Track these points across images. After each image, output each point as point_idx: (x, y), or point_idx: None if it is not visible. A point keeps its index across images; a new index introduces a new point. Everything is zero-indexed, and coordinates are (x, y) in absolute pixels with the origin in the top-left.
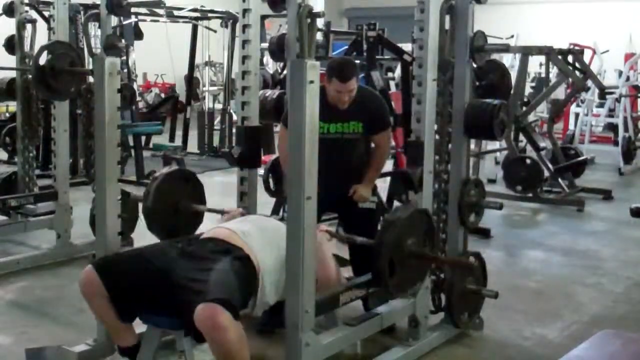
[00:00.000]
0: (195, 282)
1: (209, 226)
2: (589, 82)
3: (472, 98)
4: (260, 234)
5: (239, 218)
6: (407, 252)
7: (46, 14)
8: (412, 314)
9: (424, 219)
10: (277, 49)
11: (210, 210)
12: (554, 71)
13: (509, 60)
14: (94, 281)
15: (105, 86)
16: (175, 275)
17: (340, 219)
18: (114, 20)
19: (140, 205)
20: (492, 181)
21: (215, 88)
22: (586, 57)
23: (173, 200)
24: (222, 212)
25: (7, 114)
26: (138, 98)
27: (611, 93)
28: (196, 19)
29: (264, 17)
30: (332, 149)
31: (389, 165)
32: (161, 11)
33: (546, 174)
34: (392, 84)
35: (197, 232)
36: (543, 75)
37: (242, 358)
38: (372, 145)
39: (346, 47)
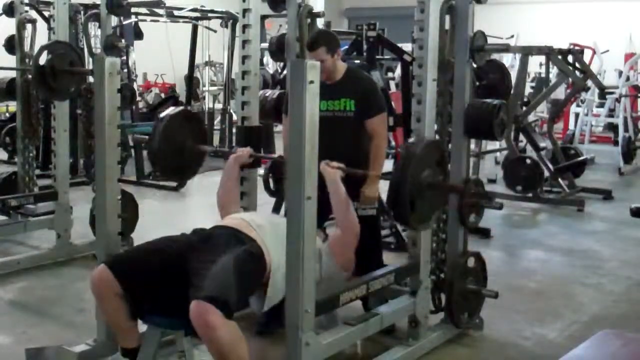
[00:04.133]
0: (195, 276)
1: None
2: (589, 82)
3: (472, 98)
4: (272, 228)
5: (250, 212)
6: (424, 185)
7: (46, 14)
8: (412, 314)
9: (437, 150)
10: (277, 49)
11: (215, 152)
12: (554, 71)
13: (509, 60)
14: (108, 280)
15: (105, 86)
16: (186, 260)
17: None
18: (114, 20)
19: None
20: (492, 181)
21: (215, 88)
22: (586, 57)
23: (178, 140)
24: (228, 153)
25: (7, 114)
26: (138, 98)
27: (611, 93)
28: (196, 19)
29: (264, 17)
30: (324, 130)
31: (389, 165)
32: (161, 11)
33: (546, 174)
34: (392, 84)
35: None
36: (543, 75)
37: (237, 357)
38: (369, 139)
39: (346, 47)
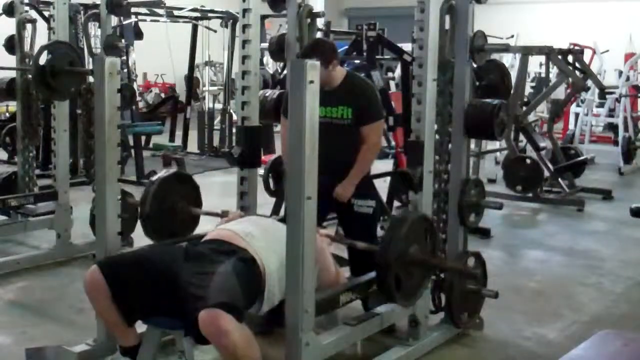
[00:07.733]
0: (197, 288)
1: (207, 228)
2: (589, 82)
3: (472, 98)
4: (262, 235)
5: (238, 219)
6: (411, 262)
7: (46, 14)
8: (412, 314)
9: (424, 225)
10: (277, 49)
11: (207, 214)
12: (554, 71)
13: (509, 60)
14: (99, 281)
15: (105, 86)
16: (179, 277)
17: (340, 220)
18: (114, 20)
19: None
20: (492, 181)
21: (215, 88)
22: (586, 57)
23: (170, 204)
24: (219, 215)
25: (7, 114)
26: (138, 98)
27: (611, 93)
28: (196, 19)
29: (264, 17)
30: (321, 137)
31: (389, 165)
32: (161, 11)
33: (546, 174)
34: (392, 84)
35: (198, 231)
36: (543, 75)
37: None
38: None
39: (346, 47)
